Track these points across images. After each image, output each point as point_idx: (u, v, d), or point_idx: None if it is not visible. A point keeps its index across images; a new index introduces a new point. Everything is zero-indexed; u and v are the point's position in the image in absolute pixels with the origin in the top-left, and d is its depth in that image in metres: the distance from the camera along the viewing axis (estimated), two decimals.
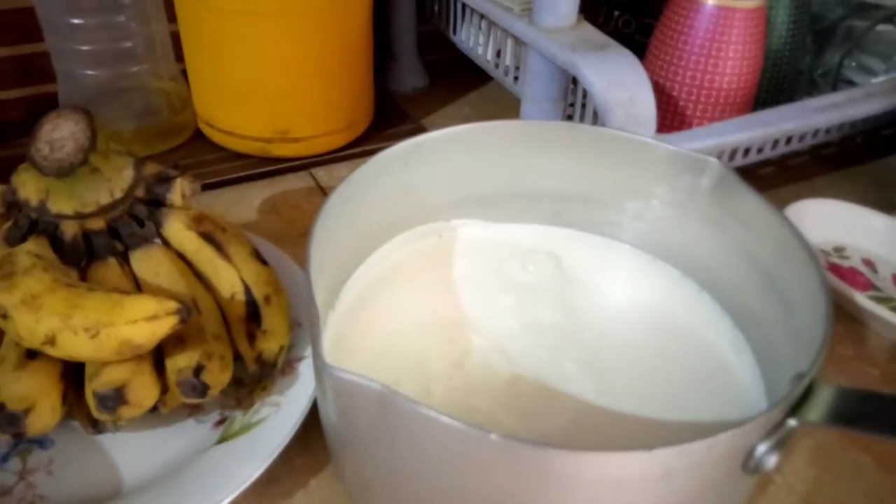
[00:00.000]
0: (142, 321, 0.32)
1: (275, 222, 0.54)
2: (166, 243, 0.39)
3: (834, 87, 0.63)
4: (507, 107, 0.70)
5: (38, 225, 0.37)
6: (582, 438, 0.31)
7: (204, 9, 0.53)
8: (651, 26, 0.57)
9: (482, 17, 0.60)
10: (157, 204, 0.40)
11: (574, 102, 0.53)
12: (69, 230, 0.37)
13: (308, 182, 0.59)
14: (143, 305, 0.32)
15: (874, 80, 0.62)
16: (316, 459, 0.37)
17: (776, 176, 0.61)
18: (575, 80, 0.51)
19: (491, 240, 0.42)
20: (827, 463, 0.38)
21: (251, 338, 0.37)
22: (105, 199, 0.37)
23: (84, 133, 0.36)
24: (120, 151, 0.39)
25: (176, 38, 0.59)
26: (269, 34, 0.53)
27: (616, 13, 0.69)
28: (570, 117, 0.55)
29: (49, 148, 0.36)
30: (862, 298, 0.45)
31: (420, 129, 0.66)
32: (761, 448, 0.25)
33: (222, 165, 0.59)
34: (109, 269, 0.37)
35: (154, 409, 0.35)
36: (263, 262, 0.39)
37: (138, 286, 0.37)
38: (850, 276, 0.50)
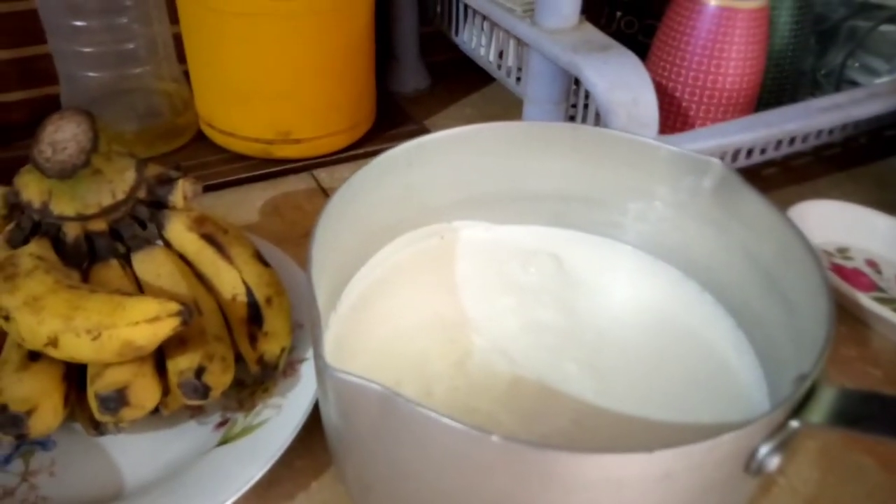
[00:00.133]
0: (143, 323, 0.32)
1: (276, 224, 0.54)
2: (168, 245, 0.39)
3: (837, 88, 0.63)
4: (510, 108, 0.70)
5: (41, 227, 0.37)
6: (583, 439, 0.31)
7: (206, 10, 0.53)
8: (653, 27, 0.57)
9: (484, 18, 0.60)
10: (158, 205, 0.40)
11: (576, 103, 0.53)
12: (71, 232, 0.37)
13: (310, 183, 0.59)
14: (145, 307, 0.32)
15: (877, 81, 0.62)
16: (317, 461, 0.37)
17: (779, 177, 0.61)
18: (577, 82, 0.51)
19: (492, 241, 0.42)
20: (830, 464, 0.38)
21: (253, 339, 0.37)
22: (107, 201, 0.37)
23: (86, 135, 0.36)
24: (122, 153, 0.39)
25: (178, 40, 0.59)
26: (270, 35, 0.53)
27: (618, 14, 0.69)
28: (572, 118, 0.55)
29: (51, 150, 0.36)
30: (865, 299, 0.45)
31: (422, 131, 0.66)
32: (763, 449, 0.25)
33: (224, 167, 0.59)
34: (111, 270, 0.37)
35: (156, 410, 0.35)
36: (265, 263, 0.39)
37: (140, 288, 0.37)
38: (853, 277, 0.50)
